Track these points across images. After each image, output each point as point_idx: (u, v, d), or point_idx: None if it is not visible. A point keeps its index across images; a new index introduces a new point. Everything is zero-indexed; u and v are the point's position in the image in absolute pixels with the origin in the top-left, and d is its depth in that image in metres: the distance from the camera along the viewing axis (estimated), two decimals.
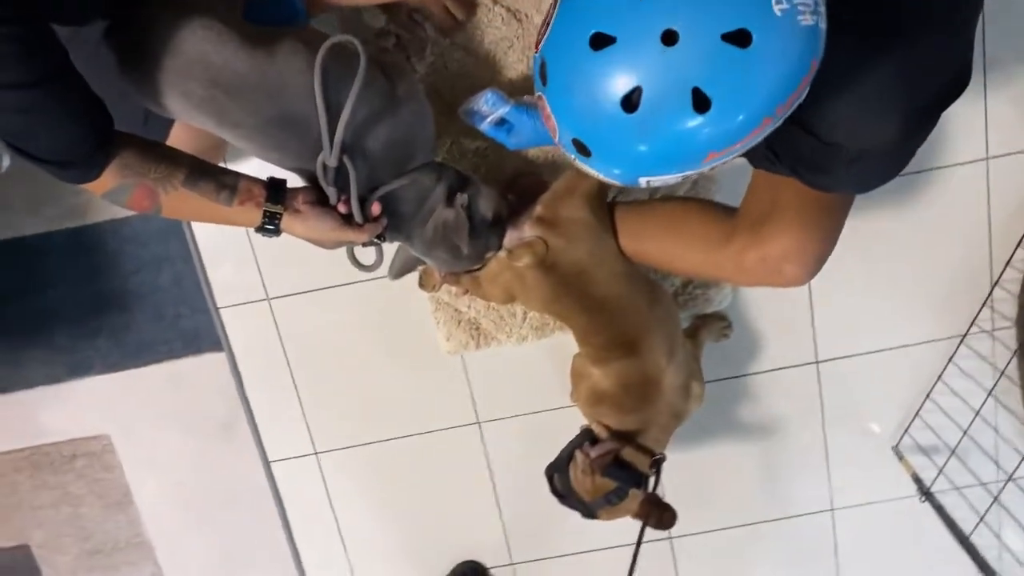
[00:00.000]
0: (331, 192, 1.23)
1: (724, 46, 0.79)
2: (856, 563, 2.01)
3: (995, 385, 1.74)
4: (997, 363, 1.77)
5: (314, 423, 1.94)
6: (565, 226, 1.41)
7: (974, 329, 1.79)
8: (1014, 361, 1.74)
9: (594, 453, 1.45)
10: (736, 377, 1.86)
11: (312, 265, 1.77)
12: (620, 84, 0.82)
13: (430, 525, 2.02)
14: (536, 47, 0.92)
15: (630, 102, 0.82)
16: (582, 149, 0.91)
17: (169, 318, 1.86)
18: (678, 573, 2.03)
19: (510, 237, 1.43)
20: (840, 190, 1.22)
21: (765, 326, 1.82)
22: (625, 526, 1.96)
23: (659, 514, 1.48)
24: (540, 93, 0.92)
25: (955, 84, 1.06)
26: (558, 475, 1.53)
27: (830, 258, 1.26)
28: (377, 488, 1.99)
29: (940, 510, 1.76)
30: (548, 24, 0.89)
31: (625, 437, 1.49)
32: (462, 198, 1.32)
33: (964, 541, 1.68)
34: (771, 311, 1.81)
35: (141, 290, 1.83)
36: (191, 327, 1.86)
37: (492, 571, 2.04)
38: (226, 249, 1.79)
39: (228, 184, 1.18)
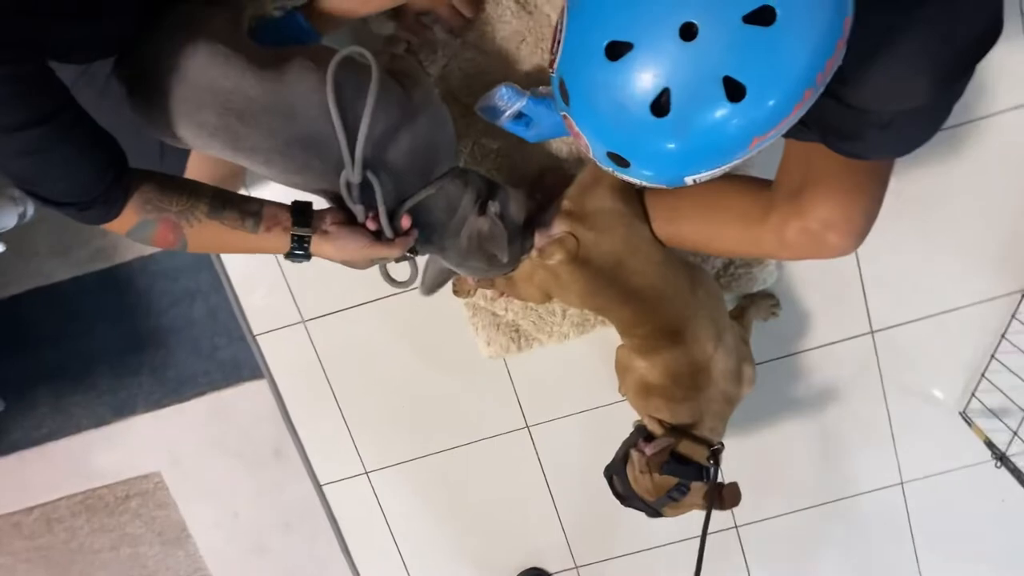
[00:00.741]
0: (358, 210, 1.20)
1: (747, 28, 0.75)
2: (933, 535, 1.93)
3: None
4: None
5: (361, 442, 1.91)
6: (594, 218, 1.37)
7: None
8: None
9: (649, 451, 1.40)
10: (788, 356, 1.80)
11: (344, 283, 1.74)
12: (646, 89, 0.78)
13: (489, 535, 1.99)
14: (551, 67, 0.89)
15: (660, 105, 0.79)
16: (619, 161, 0.87)
17: (207, 350, 1.85)
18: (747, 562, 1.97)
19: (540, 235, 1.38)
20: (876, 157, 1.16)
21: (813, 300, 1.76)
22: (689, 518, 1.91)
23: (722, 496, 1.43)
24: (564, 112, 0.89)
25: (986, 36, 0.99)
26: (617, 477, 1.49)
27: (875, 222, 1.20)
28: (431, 503, 1.96)
29: (1017, 473, 1.68)
30: (559, 42, 0.86)
31: (679, 430, 1.44)
32: (494, 206, 1.28)
33: None
34: (818, 284, 1.74)
35: (176, 325, 1.83)
36: (230, 357, 1.85)
37: None
38: (257, 276, 1.77)
39: (252, 211, 1.15)
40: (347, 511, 1.98)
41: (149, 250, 1.75)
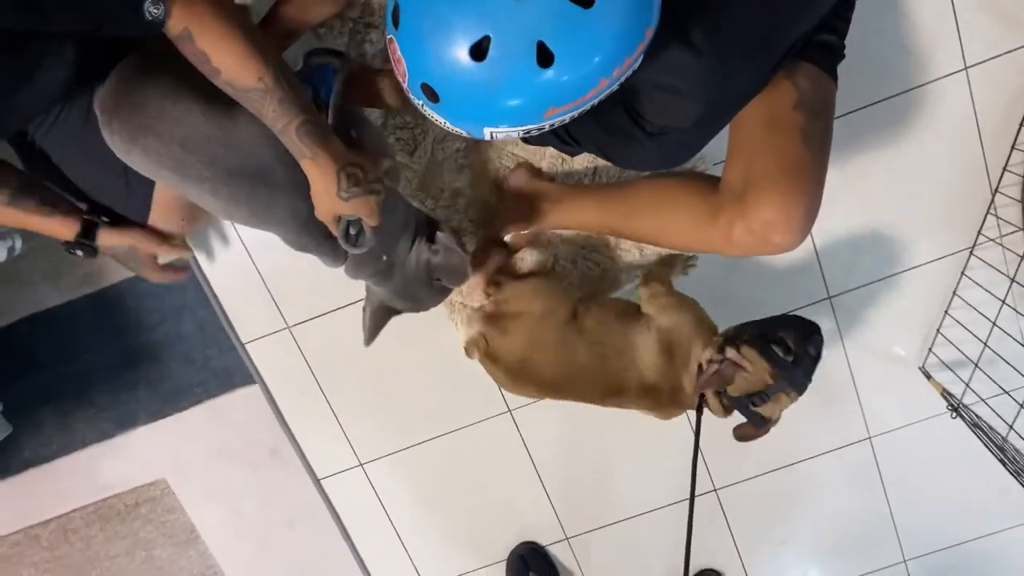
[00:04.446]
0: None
1: (569, 4, 0.84)
2: (901, 484, 2.03)
3: (1007, 293, 1.73)
4: (1009, 270, 1.76)
5: (354, 436, 2.00)
6: (505, 322, 1.52)
7: (981, 239, 1.79)
8: None
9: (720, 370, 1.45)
10: None
11: (322, 289, 1.83)
12: (471, 30, 0.86)
13: (482, 515, 2.09)
14: None
15: (479, 49, 0.87)
16: (431, 95, 0.95)
17: (200, 361, 1.94)
18: (729, 523, 2.07)
19: (467, 332, 1.53)
20: (642, 164, 1.31)
21: (770, 270, 1.83)
22: (672, 487, 2.01)
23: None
24: (391, 36, 0.95)
25: (750, 92, 1.19)
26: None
27: (825, 191, 1.25)
28: (425, 488, 2.06)
29: (971, 424, 1.77)
30: None
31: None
32: (445, 236, 1.38)
33: (998, 451, 1.69)
34: (774, 255, 1.81)
35: (168, 339, 1.91)
36: (222, 366, 1.94)
37: (549, 548, 2.10)
38: (240, 288, 1.85)
39: (49, 202, 1.29)
40: (346, 502, 2.08)
41: None
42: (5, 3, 0.88)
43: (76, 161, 1.33)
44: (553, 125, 0.97)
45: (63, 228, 1.31)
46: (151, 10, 0.97)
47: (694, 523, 1.46)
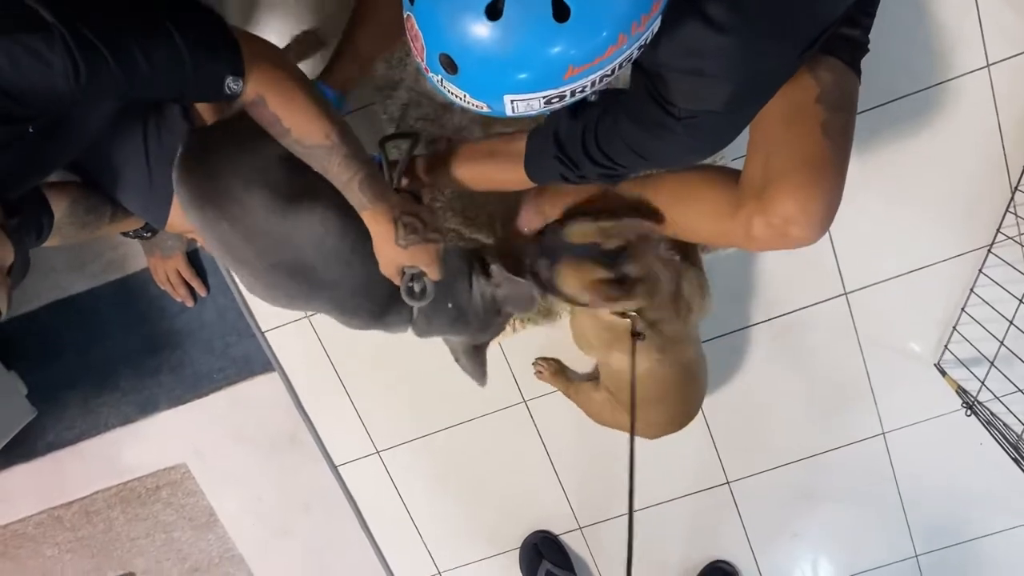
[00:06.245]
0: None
1: None
2: (914, 480, 2.03)
3: None
4: None
5: (370, 424, 2.03)
6: None
7: (1000, 237, 1.78)
8: None
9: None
10: (768, 320, 1.88)
11: None
12: None
13: (496, 503, 2.11)
14: None
15: (495, 9, 0.85)
16: (449, 65, 0.93)
17: (220, 348, 1.97)
18: (742, 516, 2.08)
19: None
20: (675, 154, 1.26)
21: (788, 266, 1.84)
22: (685, 478, 2.03)
23: None
24: (408, 13, 0.94)
25: (780, 78, 1.16)
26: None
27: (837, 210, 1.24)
28: (441, 476, 2.08)
29: (985, 421, 1.77)
30: None
31: None
32: (497, 269, 1.43)
33: (1012, 449, 1.70)
34: (792, 251, 1.81)
35: (189, 327, 1.94)
36: (241, 353, 1.97)
37: (562, 537, 2.13)
38: None
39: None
40: (363, 489, 2.11)
41: None
42: (136, 82, 0.97)
43: (100, 158, 1.35)
44: (574, 92, 0.95)
45: (134, 223, 1.54)
46: (231, 86, 1.06)
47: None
